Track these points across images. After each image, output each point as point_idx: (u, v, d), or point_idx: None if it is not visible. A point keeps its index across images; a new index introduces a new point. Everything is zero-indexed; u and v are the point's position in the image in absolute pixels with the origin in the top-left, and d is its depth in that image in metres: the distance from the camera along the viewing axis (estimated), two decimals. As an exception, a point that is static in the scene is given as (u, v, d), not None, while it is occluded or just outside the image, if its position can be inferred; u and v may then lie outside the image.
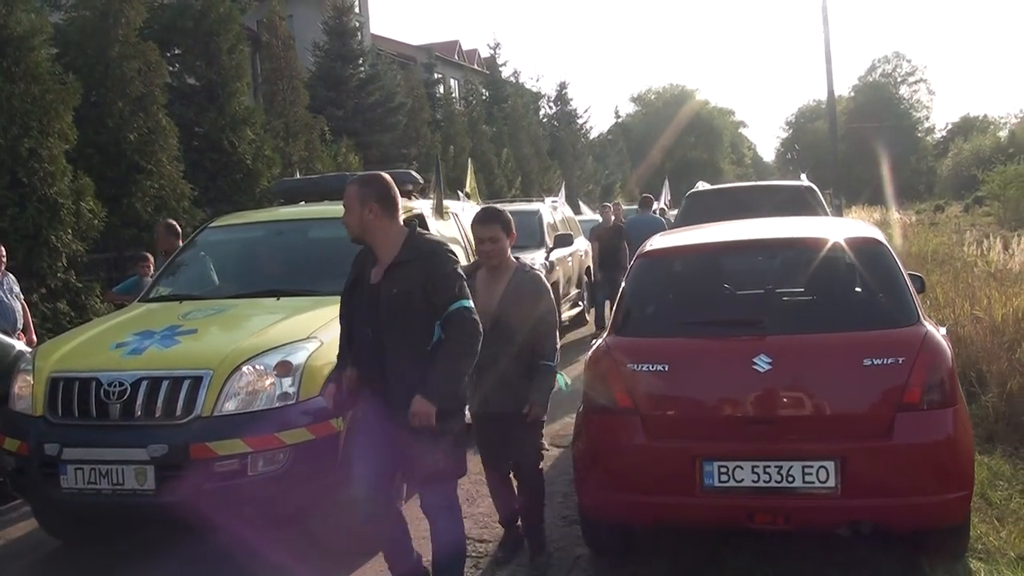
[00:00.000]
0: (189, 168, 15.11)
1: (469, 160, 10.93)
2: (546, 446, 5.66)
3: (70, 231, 11.44)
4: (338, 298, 5.41)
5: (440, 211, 8.54)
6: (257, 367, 5.53)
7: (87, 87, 12.60)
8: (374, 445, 4.54)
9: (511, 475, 5.55)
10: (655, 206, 21.44)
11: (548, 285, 5.51)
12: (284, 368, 5.54)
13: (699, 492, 4.74)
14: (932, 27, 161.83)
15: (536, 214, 15.37)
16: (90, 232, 11.88)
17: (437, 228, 8.16)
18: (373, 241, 4.60)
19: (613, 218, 15.91)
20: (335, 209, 7.57)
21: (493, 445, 5.46)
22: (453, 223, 9.03)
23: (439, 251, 4.50)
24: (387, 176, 4.70)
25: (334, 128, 22.34)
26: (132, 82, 13.67)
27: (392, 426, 4.44)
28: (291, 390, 5.51)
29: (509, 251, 5.44)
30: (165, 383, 5.46)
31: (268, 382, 5.51)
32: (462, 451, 4.60)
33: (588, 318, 16.64)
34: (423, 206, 8.26)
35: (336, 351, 5.10)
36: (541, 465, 5.49)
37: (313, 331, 5.85)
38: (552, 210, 16.59)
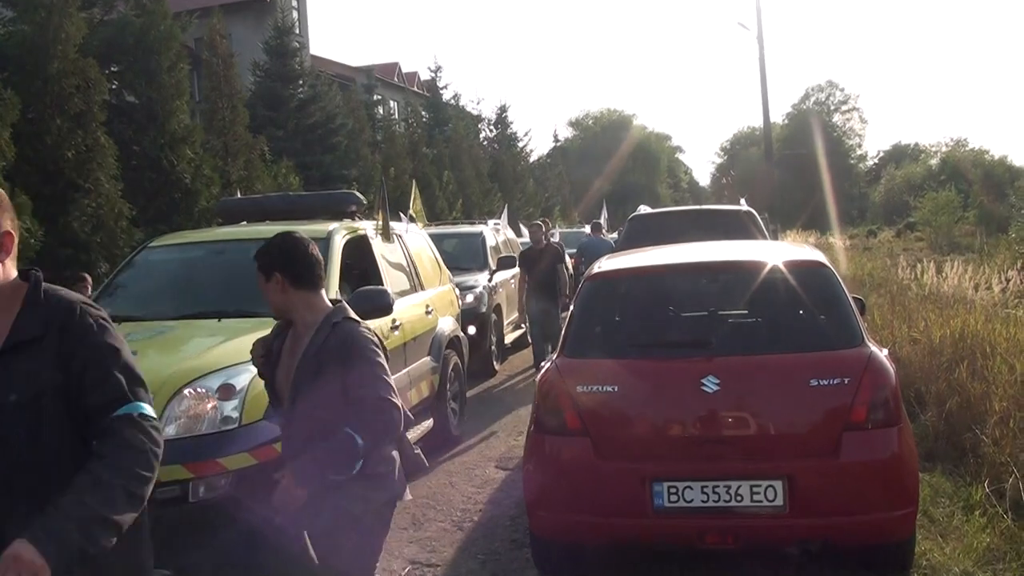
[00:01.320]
0: (127, 187, 14.86)
1: (413, 181, 10.58)
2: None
3: (6, 250, 11.17)
4: None
5: (386, 233, 8.39)
6: (198, 390, 5.39)
7: (24, 103, 12.37)
8: None
9: None
10: (588, 229, 21.68)
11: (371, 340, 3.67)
12: (226, 391, 5.42)
13: (649, 513, 4.78)
14: (865, 56, 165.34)
15: (479, 236, 15.36)
16: (26, 252, 11.63)
17: (382, 252, 8.07)
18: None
19: (546, 240, 12.87)
20: (278, 229, 7.49)
21: None
22: (398, 246, 8.82)
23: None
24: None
25: (274, 148, 22.15)
26: (71, 99, 13.45)
27: None
28: (234, 414, 5.38)
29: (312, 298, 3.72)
30: None
31: (210, 405, 5.37)
32: None
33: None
34: (367, 228, 8.10)
35: None
36: None
37: None
38: (495, 232, 16.45)
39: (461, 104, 46.75)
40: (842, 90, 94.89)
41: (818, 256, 5.82)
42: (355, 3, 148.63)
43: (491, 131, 50.96)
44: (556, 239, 22.68)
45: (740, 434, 4.83)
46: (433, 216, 28.18)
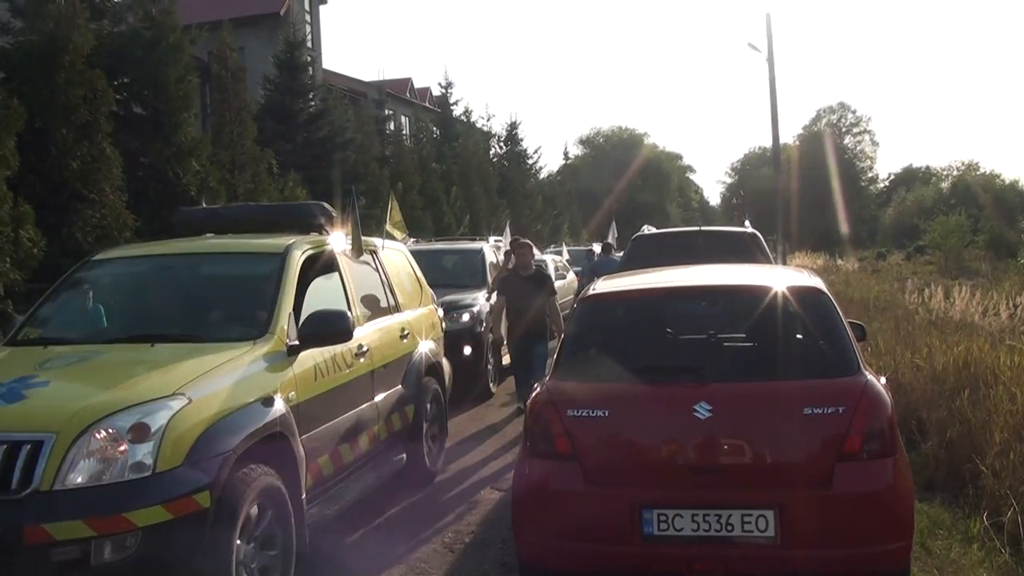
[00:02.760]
0: (133, 198, 14.85)
1: (391, 193, 9.60)
2: None
3: (8, 259, 11.16)
4: (224, 344, 5.39)
5: (357, 249, 7.62)
6: (109, 430, 4.58)
7: (31, 113, 12.36)
8: None
9: None
10: (598, 248, 21.57)
11: None
12: (140, 432, 4.59)
13: (638, 540, 4.70)
14: (877, 78, 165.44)
15: (479, 253, 15.10)
16: (29, 261, 11.60)
17: (351, 270, 7.37)
18: None
19: (535, 265, 11.38)
20: (235, 243, 7.18)
21: None
22: (372, 263, 8.11)
23: None
24: None
25: (282, 162, 22.15)
26: (77, 109, 13.44)
27: None
28: (147, 459, 4.55)
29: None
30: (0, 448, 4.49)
31: (120, 448, 4.57)
32: None
33: None
34: (336, 242, 7.37)
35: (213, 408, 4.82)
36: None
37: (181, 386, 4.89)
38: (495, 249, 16.08)
39: (472, 120, 46.79)
40: (854, 112, 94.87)
41: (816, 282, 5.73)
42: (370, 20, 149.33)
43: (501, 148, 50.94)
44: (565, 257, 22.32)
45: (732, 462, 4.76)
46: (440, 231, 28.20)
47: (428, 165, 33.92)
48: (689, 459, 4.78)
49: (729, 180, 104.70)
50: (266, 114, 25.02)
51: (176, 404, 4.78)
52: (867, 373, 4.91)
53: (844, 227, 54.43)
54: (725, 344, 5.71)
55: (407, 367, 8.06)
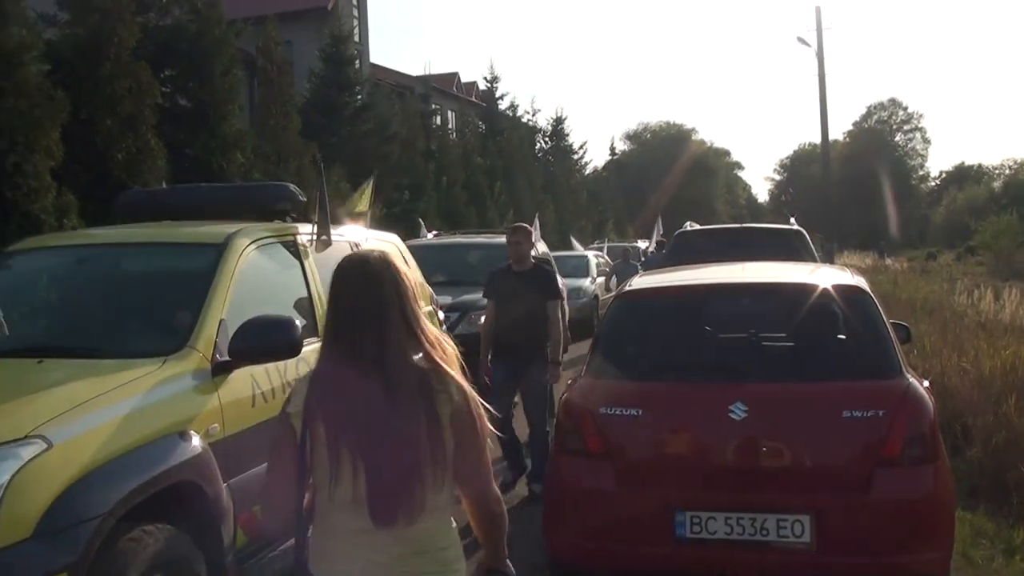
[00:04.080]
0: (177, 191, 14.97)
1: (372, 178, 8.05)
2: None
3: (51, 249, 11.27)
4: (127, 362, 4.15)
5: (324, 239, 6.16)
6: None
7: (76, 104, 12.48)
8: None
9: None
10: (644, 245, 21.32)
11: None
12: None
13: (671, 542, 4.62)
14: (929, 74, 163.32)
15: (501, 248, 14.05)
16: (73, 251, 11.71)
17: (313, 264, 5.88)
18: None
19: (534, 258, 8.46)
20: (165, 232, 5.80)
21: None
22: (349, 249, 6.58)
23: None
24: None
25: (327, 155, 22.22)
26: (122, 101, 13.56)
27: None
28: None
29: None
30: None
31: None
32: None
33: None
34: (302, 232, 5.99)
35: (85, 454, 3.58)
36: None
37: (39, 425, 3.57)
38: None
39: (518, 115, 46.68)
40: (905, 108, 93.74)
41: (858, 281, 5.60)
42: (418, 14, 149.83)
43: (546, 142, 50.79)
44: (603, 255, 21.86)
45: (768, 465, 4.65)
46: (484, 225, 28.12)
47: (472, 159, 33.90)
48: (723, 461, 4.68)
49: (778, 177, 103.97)
50: (311, 107, 25.13)
51: (27, 452, 3.47)
52: (909, 376, 4.78)
53: (894, 226, 53.77)
54: (764, 343, 5.60)
55: None
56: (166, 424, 4.07)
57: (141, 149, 13.81)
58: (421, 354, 2.52)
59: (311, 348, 5.98)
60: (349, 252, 6.28)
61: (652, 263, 15.53)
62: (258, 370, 4.78)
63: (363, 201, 8.16)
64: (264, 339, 4.61)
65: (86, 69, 13.38)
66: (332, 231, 6.17)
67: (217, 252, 5.05)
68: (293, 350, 4.69)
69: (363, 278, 2.57)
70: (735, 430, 4.63)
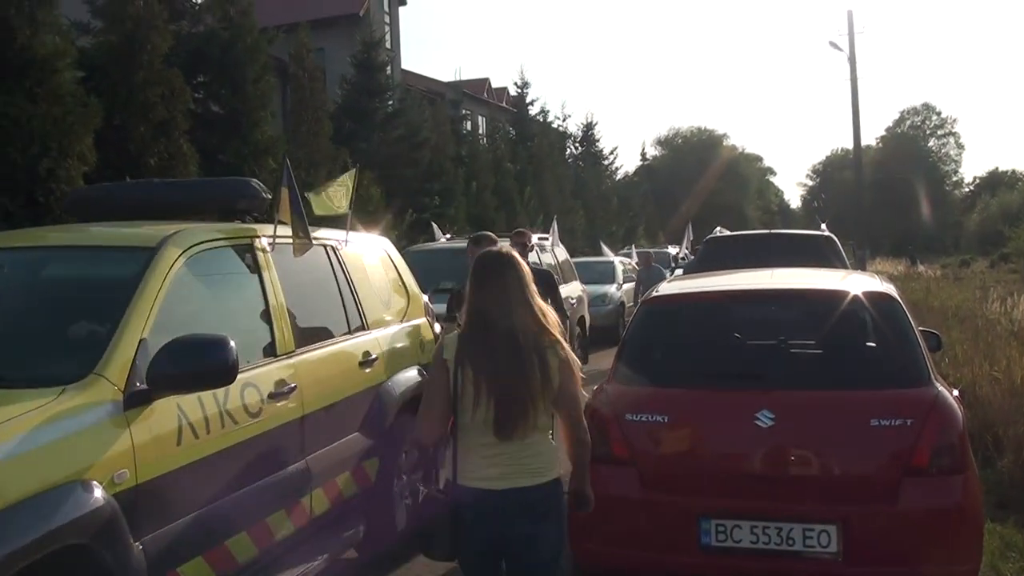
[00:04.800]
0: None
1: (354, 170, 6.99)
2: None
3: (84, 253, 11.39)
4: (14, 393, 3.45)
5: (304, 242, 5.43)
6: None
7: (110, 111, 12.63)
8: None
9: None
10: (675, 250, 21.04)
11: None
12: None
13: (695, 550, 4.60)
14: (963, 79, 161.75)
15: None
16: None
17: (274, 272, 5.11)
18: None
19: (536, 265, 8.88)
20: (92, 234, 5.09)
21: None
22: (324, 262, 6.01)
23: None
24: None
25: (358, 161, 22.33)
26: (155, 107, 13.70)
27: None
28: None
29: None
30: None
31: None
32: None
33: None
34: (264, 235, 5.24)
35: None
36: None
37: None
38: (538, 249, 13.46)
39: (548, 120, 46.67)
40: (939, 113, 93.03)
41: (888, 288, 5.55)
42: (450, 21, 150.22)
43: (577, 148, 50.75)
44: (631, 261, 21.45)
45: (794, 473, 4.62)
46: (512, 229, 28.12)
47: (502, 165, 33.93)
48: (750, 468, 4.65)
49: (810, 183, 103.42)
50: (343, 113, 25.25)
51: None
52: (939, 384, 4.73)
53: (926, 233, 53.32)
54: (792, 351, 5.56)
55: (371, 407, 5.88)
56: (54, 473, 3.27)
57: (174, 155, 13.95)
58: (534, 321, 3.60)
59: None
60: (327, 255, 5.90)
61: (691, 268, 15.48)
62: (189, 399, 4.02)
63: (344, 198, 7.00)
64: (190, 363, 3.85)
65: (119, 76, 13.53)
66: (313, 233, 5.58)
67: (146, 258, 4.27)
68: (226, 375, 3.97)
69: (495, 268, 3.68)
70: (762, 437, 4.60)
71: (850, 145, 35.54)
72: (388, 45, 34.89)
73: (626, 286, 20.30)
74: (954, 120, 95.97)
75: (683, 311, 5.77)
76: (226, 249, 4.90)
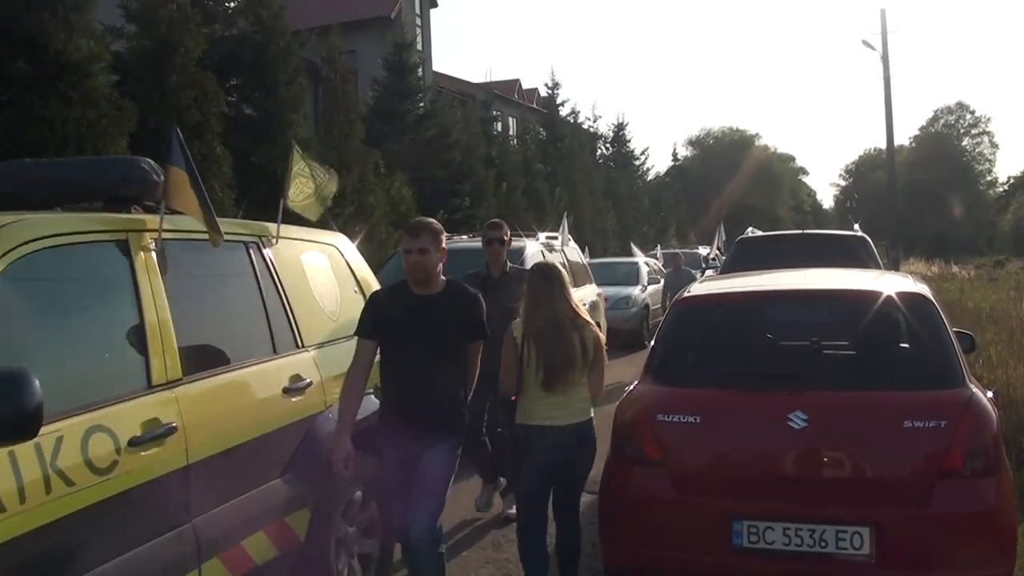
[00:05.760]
0: (242, 196, 15.21)
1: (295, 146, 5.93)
2: None
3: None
4: None
5: (216, 235, 4.37)
6: None
7: (143, 114, 12.77)
8: None
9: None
10: (705, 251, 20.76)
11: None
12: None
13: (727, 552, 4.58)
14: (997, 77, 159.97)
15: (519, 255, 10.94)
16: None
17: (156, 275, 4.05)
18: None
19: (508, 264, 7.42)
20: None
21: None
22: (246, 261, 4.91)
23: None
24: None
25: (389, 162, 22.46)
26: (188, 110, 13.86)
27: None
28: None
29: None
30: None
31: None
32: None
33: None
34: (150, 227, 4.17)
35: None
36: None
37: None
38: (546, 250, 12.21)
39: (579, 122, 46.64)
40: (972, 112, 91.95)
41: (921, 288, 5.50)
42: (481, 23, 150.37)
43: (608, 149, 50.66)
44: (657, 262, 20.96)
45: (827, 475, 4.59)
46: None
47: (533, 166, 33.96)
48: (782, 470, 4.63)
49: (843, 183, 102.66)
50: (374, 115, 25.38)
51: None
52: (972, 386, 4.68)
53: (961, 233, 52.81)
54: (825, 352, 5.53)
55: (300, 443, 4.79)
56: None
57: (207, 157, 14.10)
58: (571, 310, 5.03)
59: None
60: (247, 255, 4.86)
61: (724, 269, 15.40)
62: None
63: (301, 187, 5.73)
64: None
65: (153, 79, 13.70)
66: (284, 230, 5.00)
67: None
68: (22, 427, 2.96)
69: (546, 276, 5.09)
70: (794, 439, 4.57)
71: (883, 145, 35.22)
72: (419, 47, 34.98)
73: (651, 288, 19.87)
74: (988, 119, 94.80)
75: (715, 311, 5.76)
76: (84, 247, 3.79)
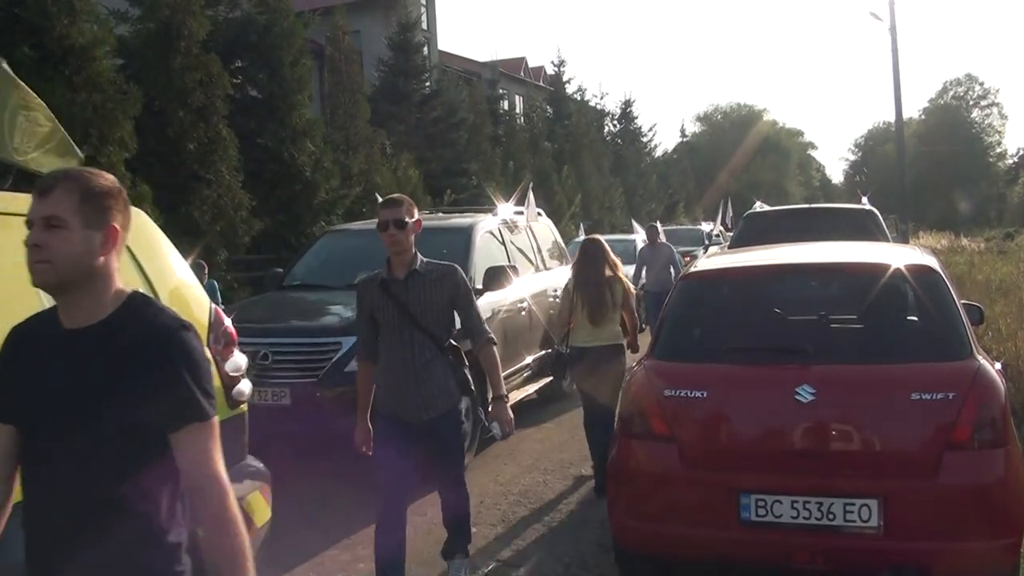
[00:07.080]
0: (248, 178, 15.27)
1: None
2: None
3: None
4: None
5: None
6: None
7: (149, 97, 12.79)
8: None
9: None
10: (709, 227, 20.45)
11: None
12: None
13: (735, 525, 4.57)
14: (1007, 48, 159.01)
15: (465, 233, 9.30)
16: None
17: None
18: None
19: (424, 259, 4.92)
20: None
21: None
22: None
23: None
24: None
25: (395, 142, 22.45)
26: (193, 93, 13.87)
27: None
28: None
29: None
30: None
31: None
32: None
33: (566, 388, 10.52)
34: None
35: None
36: None
37: None
38: (505, 227, 10.38)
39: (585, 99, 46.47)
40: (981, 84, 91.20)
41: (929, 260, 5.47)
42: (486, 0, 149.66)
43: (615, 126, 50.46)
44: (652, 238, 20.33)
45: (835, 448, 4.59)
46: (552, 210, 27.98)
47: (540, 144, 33.88)
48: (790, 444, 4.62)
49: (852, 157, 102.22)
50: (380, 95, 25.34)
51: None
52: (980, 358, 4.66)
53: (970, 205, 52.48)
54: (832, 325, 5.51)
55: None
56: None
57: (213, 139, 14.13)
58: (608, 269, 7.22)
59: None
60: None
61: (733, 244, 15.23)
62: None
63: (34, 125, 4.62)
64: None
65: (158, 63, 13.70)
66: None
67: None
68: None
69: (586, 253, 7.37)
70: (802, 413, 4.57)
71: (892, 118, 35.04)
72: (424, 26, 34.86)
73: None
74: (997, 90, 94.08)
75: (722, 286, 5.75)
76: None
